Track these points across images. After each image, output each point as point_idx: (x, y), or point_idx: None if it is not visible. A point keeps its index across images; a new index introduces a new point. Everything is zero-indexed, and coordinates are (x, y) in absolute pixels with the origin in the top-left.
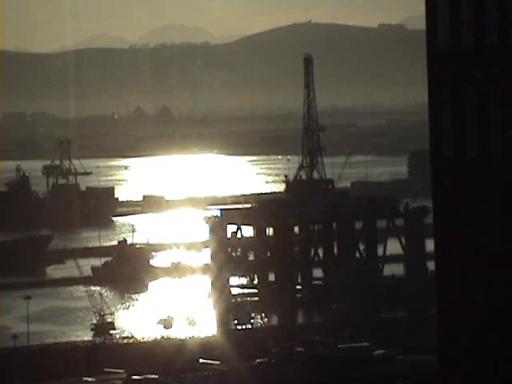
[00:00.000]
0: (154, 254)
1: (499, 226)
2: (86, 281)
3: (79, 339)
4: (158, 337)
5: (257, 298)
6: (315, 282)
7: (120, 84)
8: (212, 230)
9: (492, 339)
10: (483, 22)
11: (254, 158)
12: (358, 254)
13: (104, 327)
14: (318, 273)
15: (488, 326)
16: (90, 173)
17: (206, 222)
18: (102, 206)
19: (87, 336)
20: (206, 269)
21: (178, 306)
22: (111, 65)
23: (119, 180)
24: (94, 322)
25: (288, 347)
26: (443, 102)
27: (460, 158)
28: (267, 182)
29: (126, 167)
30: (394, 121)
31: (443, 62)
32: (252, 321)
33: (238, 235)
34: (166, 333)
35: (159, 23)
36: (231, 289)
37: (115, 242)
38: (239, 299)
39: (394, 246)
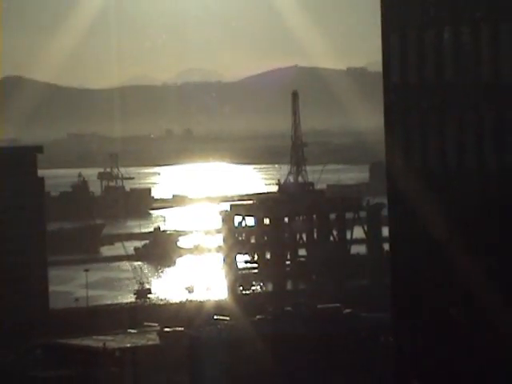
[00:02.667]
0: (180, 237)
1: (438, 217)
2: (130, 258)
3: (125, 301)
4: (184, 299)
5: (257, 271)
6: (300, 259)
7: (154, 112)
8: (223, 220)
9: (434, 301)
10: (425, 65)
11: (256, 166)
12: (331, 238)
13: (143, 292)
14: (302, 252)
15: (431, 292)
16: (133, 178)
17: (219, 214)
18: (142, 202)
19: (131, 299)
20: (219, 249)
21: (198, 277)
22: (148, 98)
23: (154, 183)
24: (136, 288)
25: (280, 307)
26: (395, 125)
27: (408, 167)
28: (266, 185)
29: (159, 173)
30: (359, 139)
31: (395, 95)
32: (253, 288)
33: (243, 224)
34: (189, 296)
35: (184, 67)
36: (238, 264)
37: (151, 229)
38: (244, 272)
39: (358, 232)
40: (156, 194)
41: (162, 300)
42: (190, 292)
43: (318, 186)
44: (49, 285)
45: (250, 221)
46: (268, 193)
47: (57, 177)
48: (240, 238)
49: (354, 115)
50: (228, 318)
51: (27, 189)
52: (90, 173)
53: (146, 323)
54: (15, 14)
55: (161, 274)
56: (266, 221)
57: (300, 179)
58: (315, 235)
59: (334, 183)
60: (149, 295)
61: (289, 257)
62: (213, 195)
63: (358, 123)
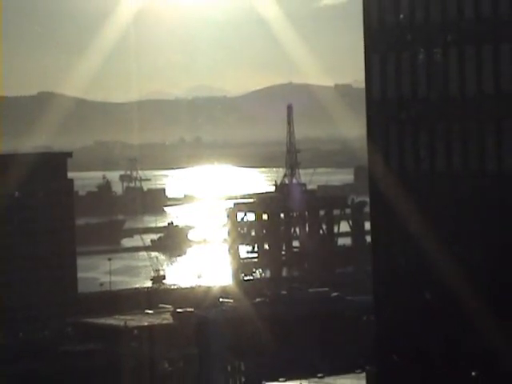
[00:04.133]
0: (190, 231)
1: (413, 213)
2: (147, 248)
3: (142, 286)
4: (193, 284)
5: (257, 260)
6: (294, 249)
7: (168, 122)
8: (228, 216)
9: (410, 285)
10: (402, 82)
11: (257, 169)
12: (321, 232)
13: (158, 278)
14: (296, 243)
15: (407, 278)
16: (150, 179)
17: (224, 211)
18: (157, 200)
19: (148, 284)
20: (224, 241)
21: (206, 265)
22: (163, 110)
23: (168, 184)
24: (152, 274)
25: (277, 291)
26: (376, 134)
27: (387, 170)
28: (269, 185)
29: (172, 176)
30: (345, 146)
31: (376, 108)
32: (254, 274)
33: (245, 219)
34: (198, 282)
35: (194, 83)
36: (240, 254)
37: (166, 224)
38: (245, 260)
39: (344, 226)
40: (169, 193)
41: (174, 285)
42: (198, 278)
43: (310, 187)
44: (77, 271)
45: (251, 216)
46: (266, 192)
47: (84, 178)
48: (242, 232)
49: (341, 125)
50: (232, 301)
51: (58, 189)
52: (113, 175)
53: (160, 305)
54: (47, 36)
55: (174, 262)
56: (265, 216)
57: (294, 181)
58: (307, 229)
59: (324, 184)
60: (163, 281)
61: (284, 247)
62: (219, 194)
63: (345, 132)
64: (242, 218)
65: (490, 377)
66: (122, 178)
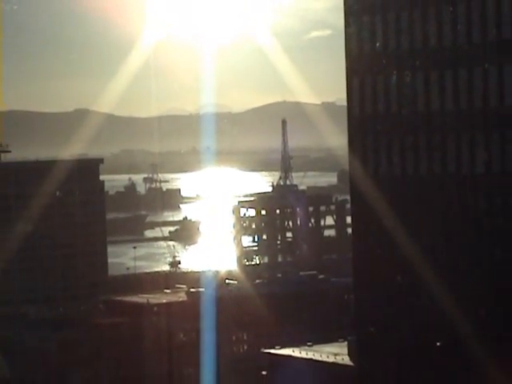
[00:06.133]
0: (201, 224)
1: (386, 209)
2: (165, 238)
3: (162, 270)
4: (204, 268)
5: (256, 248)
6: (288, 239)
7: (183, 134)
8: (233, 212)
9: (385, 270)
10: (377, 100)
11: (257, 173)
12: (310, 225)
13: (175, 263)
14: (289, 234)
15: (382, 263)
16: (168, 181)
17: (230, 207)
18: (174, 199)
19: (166, 268)
20: (229, 232)
21: (214, 252)
22: (179, 124)
23: (183, 185)
24: (170, 260)
25: (273, 274)
26: (356, 144)
27: (365, 174)
28: (267, 186)
29: (186, 178)
30: (330, 154)
31: (356, 122)
32: (254, 260)
33: (247, 214)
34: (207, 266)
35: (204, 101)
36: (243, 243)
37: (181, 218)
38: (247, 249)
39: (329, 220)
40: (184, 193)
41: (188, 269)
42: (207, 263)
43: (301, 187)
44: (108, 257)
45: (252, 212)
46: (265, 192)
47: (113, 180)
48: (244, 225)
49: (327, 136)
50: (236, 282)
51: (92, 189)
52: (137, 178)
53: (177, 285)
54: (82, 62)
55: (187, 250)
56: (263, 212)
57: (288, 182)
58: (298, 222)
59: (312, 185)
60: (179, 265)
61: (279, 238)
62: (225, 194)
63: (330, 142)
64: (245, 214)
65: (451, 345)
66: (144, 180)
